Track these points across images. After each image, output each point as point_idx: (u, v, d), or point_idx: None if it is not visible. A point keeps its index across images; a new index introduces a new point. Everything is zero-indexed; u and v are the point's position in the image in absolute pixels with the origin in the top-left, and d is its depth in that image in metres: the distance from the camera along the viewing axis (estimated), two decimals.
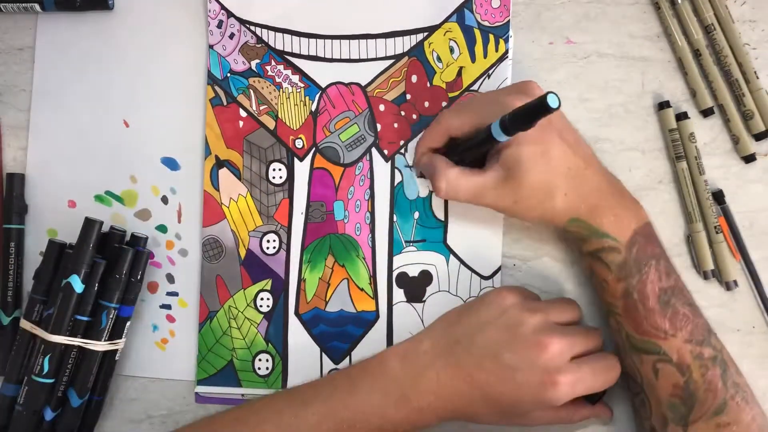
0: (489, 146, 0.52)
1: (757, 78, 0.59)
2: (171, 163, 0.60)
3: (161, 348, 0.60)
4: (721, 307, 0.59)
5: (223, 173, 0.59)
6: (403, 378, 0.51)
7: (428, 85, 0.59)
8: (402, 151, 0.59)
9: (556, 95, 0.45)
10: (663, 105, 0.59)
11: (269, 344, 0.59)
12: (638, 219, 0.53)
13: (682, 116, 0.59)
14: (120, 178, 0.60)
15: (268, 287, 0.59)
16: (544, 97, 0.45)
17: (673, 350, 0.51)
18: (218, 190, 0.59)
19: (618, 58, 0.60)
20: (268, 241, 0.59)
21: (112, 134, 0.60)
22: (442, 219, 0.59)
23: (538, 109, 0.46)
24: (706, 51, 0.59)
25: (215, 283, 0.59)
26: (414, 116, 0.59)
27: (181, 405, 0.60)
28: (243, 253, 0.59)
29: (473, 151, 0.53)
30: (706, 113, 0.59)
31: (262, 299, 0.59)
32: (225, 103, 0.59)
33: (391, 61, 0.59)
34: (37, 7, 0.59)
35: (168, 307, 0.60)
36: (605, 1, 0.60)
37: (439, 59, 0.59)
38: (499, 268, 0.59)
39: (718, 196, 0.59)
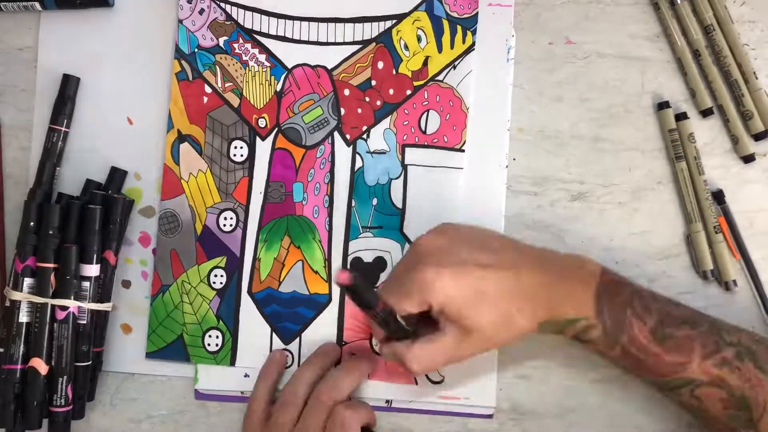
0: (392, 324, 0.53)
1: (756, 78, 0.62)
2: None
3: None
4: (720, 307, 0.62)
5: (185, 148, 0.63)
6: None
7: (394, 72, 0.63)
8: (364, 136, 0.62)
9: (345, 271, 0.44)
10: (662, 105, 0.61)
11: (220, 321, 0.63)
12: (591, 280, 0.54)
13: (681, 116, 0.61)
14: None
15: (223, 264, 0.63)
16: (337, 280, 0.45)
17: (699, 372, 0.53)
18: (178, 164, 0.63)
19: (618, 59, 0.62)
20: (225, 218, 0.63)
21: (116, 131, 0.64)
22: (401, 207, 0.63)
23: (353, 295, 0.48)
24: (706, 51, 0.62)
25: (170, 257, 0.63)
26: (378, 102, 0.63)
27: (181, 405, 0.62)
28: (199, 228, 0.63)
29: (396, 323, 0.54)
30: (706, 113, 0.62)
31: (215, 276, 0.63)
32: (190, 78, 0.63)
33: (359, 47, 0.63)
34: (37, 5, 0.62)
35: None
36: (605, 2, 0.63)
37: (406, 47, 0.62)
38: None
39: (718, 196, 0.61)
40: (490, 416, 0.62)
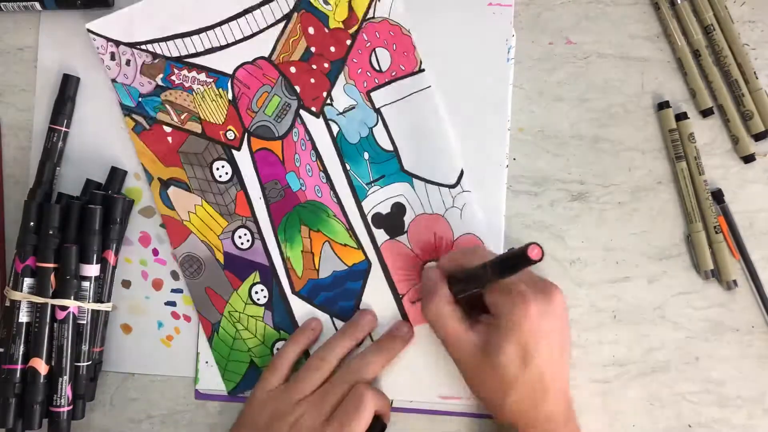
0: (480, 283, 0.55)
1: (757, 78, 0.62)
2: None
3: (167, 345, 0.64)
4: (720, 307, 0.62)
5: (173, 192, 0.64)
6: None
7: (326, 31, 0.63)
8: (328, 101, 0.63)
9: (540, 247, 0.48)
10: (663, 105, 0.62)
11: (281, 331, 0.63)
12: None
13: (681, 116, 0.62)
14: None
15: (258, 279, 0.63)
16: (525, 248, 0.48)
17: None
18: (174, 209, 0.64)
19: (618, 59, 0.63)
20: (240, 236, 0.63)
21: (116, 132, 0.64)
22: (392, 149, 0.63)
23: (518, 259, 0.50)
24: (706, 51, 0.62)
25: (207, 296, 0.63)
26: (326, 65, 0.63)
27: (181, 404, 0.63)
28: (221, 258, 0.63)
29: (468, 283, 0.56)
30: (706, 113, 0.62)
31: (257, 293, 0.63)
32: (148, 127, 0.64)
33: (283, 23, 0.63)
34: (37, 5, 0.62)
35: (173, 304, 0.64)
36: (605, 2, 0.63)
37: (326, 2, 0.63)
38: (462, 172, 0.63)
39: (718, 196, 0.61)
40: (490, 416, 0.62)
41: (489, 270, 0.53)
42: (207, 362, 0.63)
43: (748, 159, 0.62)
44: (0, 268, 0.63)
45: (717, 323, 0.62)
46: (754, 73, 0.62)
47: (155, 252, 0.64)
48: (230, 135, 0.63)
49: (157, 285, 0.64)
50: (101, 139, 0.64)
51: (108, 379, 0.64)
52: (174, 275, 0.64)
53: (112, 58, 0.63)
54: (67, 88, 0.63)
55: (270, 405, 0.58)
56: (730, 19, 0.63)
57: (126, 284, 0.64)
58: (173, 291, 0.64)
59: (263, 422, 0.58)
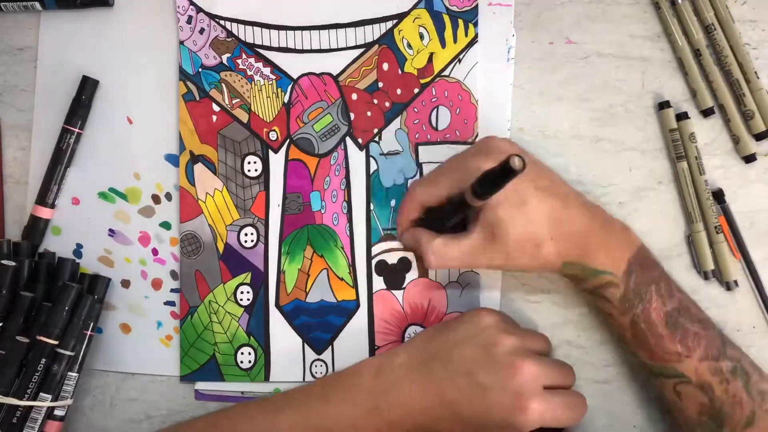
0: (466, 211, 0.56)
1: (758, 78, 0.63)
2: (174, 160, 0.65)
3: (166, 345, 0.65)
4: (721, 308, 0.63)
5: (198, 168, 0.64)
6: (376, 390, 0.56)
7: (399, 72, 0.64)
8: (376, 139, 0.63)
9: (520, 157, 0.46)
10: (663, 105, 0.62)
11: (251, 337, 0.63)
12: (630, 246, 0.57)
13: (682, 116, 0.62)
14: (124, 175, 0.65)
15: (248, 280, 0.63)
16: (506, 162, 0.46)
17: (691, 371, 0.55)
18: (194, 185, 0.64)
19: (618, 58, 0.63)
20: (246, 234, 0.64)
21: (116, 131, 0.65)
22: None
23: (503, 174, 0.48)
24: (707, 51, 0.62)
25: (194, 279, 0.64)
26: (387, 104, 0.64)
27: (181, 405, 0.63)
28: (221, 247, 0.64)
29: (452, 218, 0.57)
30: (707, 113, 0.62)
31: (242, 293, 0.64)
32: (197, 98, 0.64)
33: (362, 50, 0.64)
34: (37, 5, 0.64)
35: (172, 303, 0.65)
36: (605, 1, 0.63)
37: (409, 46, 0.63)
38: None
39: (719, 196, 0.62)
40: None
41: (471, 191, 0.51)
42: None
43: (749, 159, 0.63)
44: None
45: (718, 323, 0.63)
46: (755, 72, 0.62)
47: (155, 252, 0.64)
48: (273, 135, 0.64)
49: (157, 285, 0.64)
50: (101, 138, 0.64)
51: (108, 379, 0.64)
52: (173, 275, 0.64)
53: (189, 21, 0.64)
54: (85, 89, 0.63)
55: None
56: (730, 18, 0.63)
57: (125, 284, 0.64)
58: (172, 291, 0.64)
59: None
